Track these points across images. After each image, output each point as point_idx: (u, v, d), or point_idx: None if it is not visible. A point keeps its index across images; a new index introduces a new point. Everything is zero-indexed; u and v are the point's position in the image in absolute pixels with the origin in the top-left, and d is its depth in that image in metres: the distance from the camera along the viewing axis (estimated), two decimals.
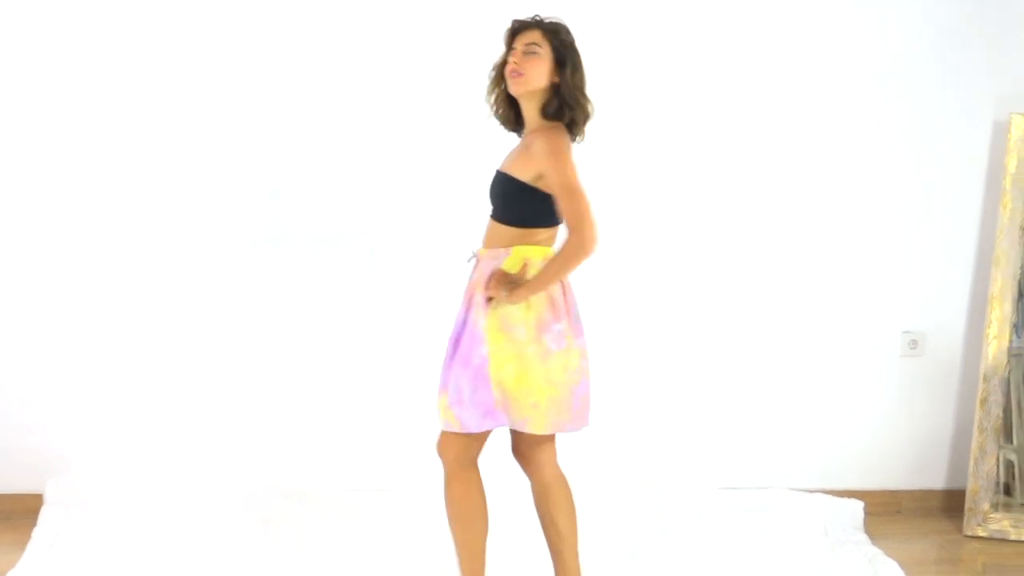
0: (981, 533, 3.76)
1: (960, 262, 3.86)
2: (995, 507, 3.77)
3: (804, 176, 3.77)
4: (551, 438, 2.87)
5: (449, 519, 2.87)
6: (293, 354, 3.69)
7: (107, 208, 3.57)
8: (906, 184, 3.81)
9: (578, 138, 2.81)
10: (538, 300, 2.72)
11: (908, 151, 3.79)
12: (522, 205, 2.75)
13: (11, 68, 3.48)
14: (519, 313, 2.72)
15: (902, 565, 3.41)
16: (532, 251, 2.75)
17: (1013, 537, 3.74)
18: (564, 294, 2.77)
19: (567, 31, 2.79)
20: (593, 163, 2.89)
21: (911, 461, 3.96)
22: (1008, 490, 3.80)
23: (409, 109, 3.62)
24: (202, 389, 3.67)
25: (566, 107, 2.75)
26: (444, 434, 2.82)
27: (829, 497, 3.79)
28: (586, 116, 2.80)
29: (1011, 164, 3.71)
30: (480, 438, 2.82)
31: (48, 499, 3.56)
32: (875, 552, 3.50)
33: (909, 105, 3.76)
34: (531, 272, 2.72)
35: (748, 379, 3.85)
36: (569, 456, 2.96)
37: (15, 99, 3.50)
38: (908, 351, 3.88)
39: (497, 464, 2.93)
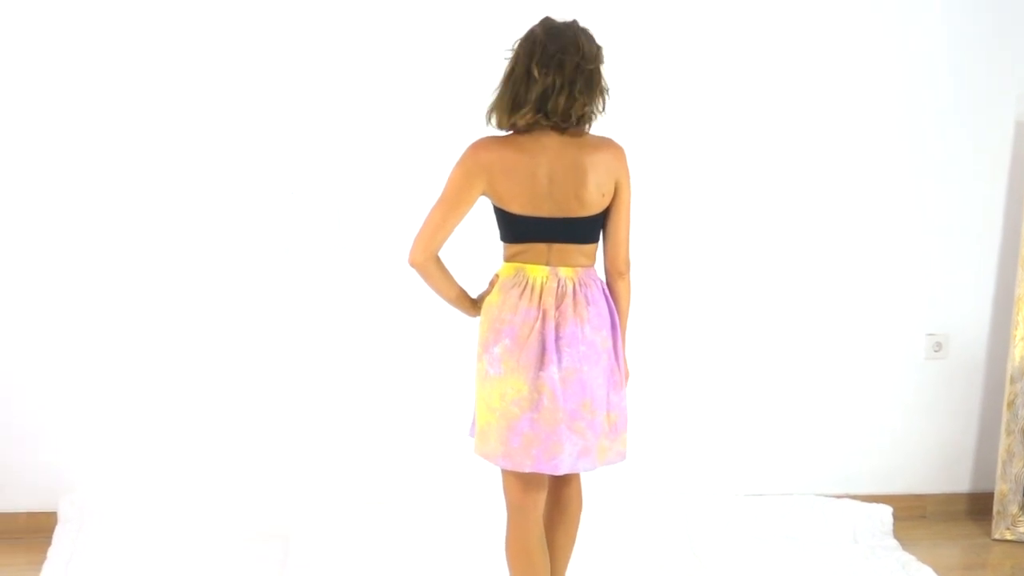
0: (1009, 536, 3.74)
1: (984, 264, 3.84)
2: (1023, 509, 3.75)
3: (828, 180, 3.72)
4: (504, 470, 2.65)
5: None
6: (312, 369, 3.60)
7: (122, 223, 3.47)
8: (929, 186, 3.77)
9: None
10: (482, 318, 2.64)
11: (930, 153, 3.75)
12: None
13: (28, 72, 3.37)
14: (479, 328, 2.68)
15: (935, 570, 3.38)
16: (503, 266, 2.68)
17: None
18: (498, 318, 2.57)
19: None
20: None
21: (936, 464, 3.93)
22: None
23: (413, 111, 3.51)
24: (215, 402, 3.58)
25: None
26: None
27: (856, 502, 3.75)
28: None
29: None
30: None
31: (62, 517, 3.46)
32: (908, 558, 3.48)
33: (930, 107, 3.72)
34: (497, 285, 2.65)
35: (772, 384, 3.80)
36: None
37: (26, 104, 3.38)
38: (932, 353, 3.85)
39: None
